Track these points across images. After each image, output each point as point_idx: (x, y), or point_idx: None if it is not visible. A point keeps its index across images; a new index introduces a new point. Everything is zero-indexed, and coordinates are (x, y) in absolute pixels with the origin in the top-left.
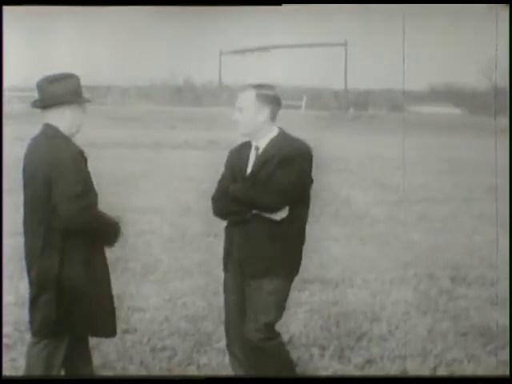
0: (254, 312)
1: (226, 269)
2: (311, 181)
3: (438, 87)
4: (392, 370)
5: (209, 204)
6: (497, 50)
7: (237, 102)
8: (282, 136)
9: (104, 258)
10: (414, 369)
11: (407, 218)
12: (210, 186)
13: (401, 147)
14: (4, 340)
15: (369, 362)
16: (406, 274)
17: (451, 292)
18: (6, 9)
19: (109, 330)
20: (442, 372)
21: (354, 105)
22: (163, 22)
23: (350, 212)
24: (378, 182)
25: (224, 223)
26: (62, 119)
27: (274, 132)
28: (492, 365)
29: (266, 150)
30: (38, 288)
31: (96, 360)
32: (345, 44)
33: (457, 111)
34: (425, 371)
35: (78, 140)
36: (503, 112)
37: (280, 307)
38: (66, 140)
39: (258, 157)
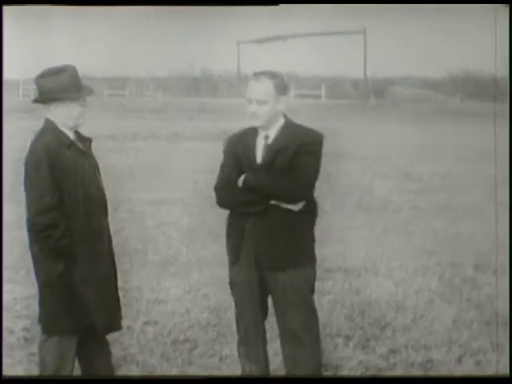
0: (291, 303)
1: (235, 262)
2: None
3: (458, 75)
4: (417, 359)
5: None
6: (496, 49)
7: (252, 93)
8: (292, 124)
9: (105, 254)
10: (439, 358)
11: (430, 207)
12: None
13: (422, 135)
14: (22, 334)
15: (393, 351)
16: (430, 262)
17: (475, 280)
18: (6, 9)
19: (112, 326)
20: (467, 361)
21: (374, 93)
22: (180, 12)
23: (371, 201)
24: (399, 170)
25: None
26: (59, 113)
27: (281, 120)
28: None
29: (277, 138)
30: (42, 286)
31: (117, 352)
32: (364, 32)
33: (477, 99)
34: (450, 361)
35: (97, 132)
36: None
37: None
38: (53, 136)
39: (268, 146)
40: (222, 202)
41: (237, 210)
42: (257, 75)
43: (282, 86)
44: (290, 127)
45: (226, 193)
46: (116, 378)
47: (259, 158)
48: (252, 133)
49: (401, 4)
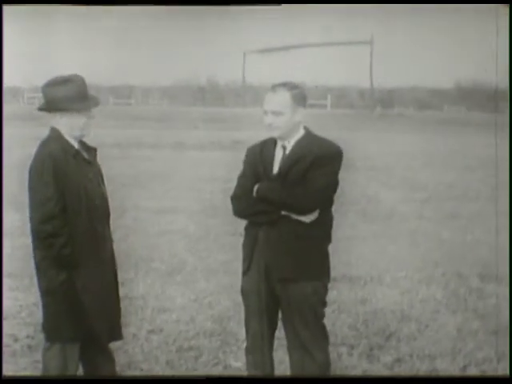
0: (298, 315)
1: (247, 270)
2: (338, 183)
3: (464, 85)
4: (421, 369)
5: None
6: (496, 49)
7: (268, 105)
8: (311, 136)
9: (107, 263)
10: (444, 368)
11: (435, 216)
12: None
13: (428, 145)
14: (26, 341)
15: (398, 361)
16: (435, 272)
17: (480, 290)
18: (6, 8)
19: (114, 335)
20: (472, 371)
21: (380, 103)
22: (186, 21)
23: (377, 210)
24: (405, 180)
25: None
26: (64, 123)
27: (301, 131)
28: None
29: (294, 149)
30: (45, 293)
31: (122, 360)
32: (370, 42)
33: (482, 109)
34: (455, 370)
35: (103, 140)
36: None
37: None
38: (57, 144)
39: (285, 156)
40: (237, 212)
41: (249, 219)
42: (274, 87)
43: (300, 97)
44: (308, 138)
45: (241, 202)
46: (116, 378)
47: (276, 169)
48: (271, 143)
49: (404, 4)
